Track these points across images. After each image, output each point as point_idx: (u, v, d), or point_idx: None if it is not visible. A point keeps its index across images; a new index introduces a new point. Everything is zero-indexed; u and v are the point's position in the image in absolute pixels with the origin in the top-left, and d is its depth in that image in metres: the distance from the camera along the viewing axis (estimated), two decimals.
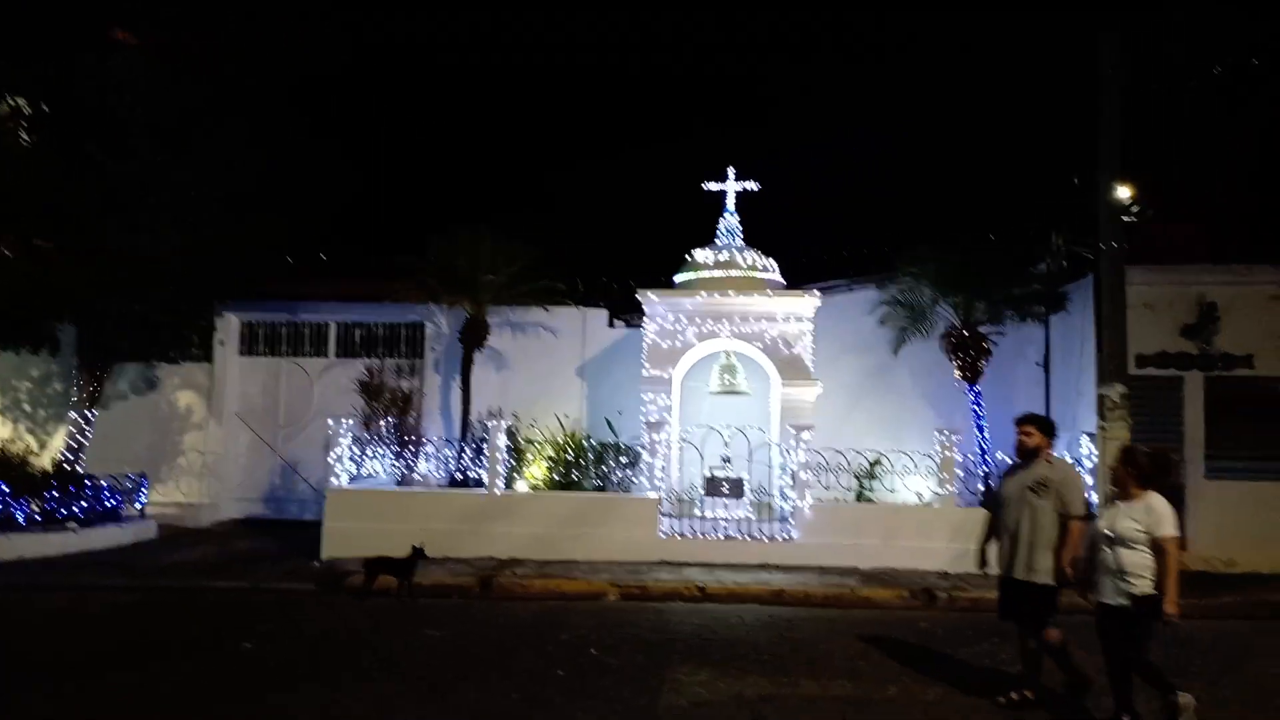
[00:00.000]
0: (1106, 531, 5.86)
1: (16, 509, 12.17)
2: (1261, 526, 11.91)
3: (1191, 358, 12.27)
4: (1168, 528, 5.65)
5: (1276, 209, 12.33)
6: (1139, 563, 5.69)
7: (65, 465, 13.57)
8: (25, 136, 11.69)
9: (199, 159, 12.13)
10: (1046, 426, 6.56)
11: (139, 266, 11.75)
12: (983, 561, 6.82)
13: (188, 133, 12.02)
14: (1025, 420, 6.56)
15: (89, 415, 13.97)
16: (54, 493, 12.59)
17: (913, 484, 12.57)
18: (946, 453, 12.01)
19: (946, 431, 12.19)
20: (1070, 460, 6.76)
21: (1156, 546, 5.64)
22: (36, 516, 12.36)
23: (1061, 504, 6.20)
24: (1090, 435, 11.42)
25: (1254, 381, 12.18)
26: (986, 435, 13.09)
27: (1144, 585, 5.69)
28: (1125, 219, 11.41)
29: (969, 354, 13.12)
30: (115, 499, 13.59)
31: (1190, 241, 12.94)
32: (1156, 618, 5.69)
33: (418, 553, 9.99)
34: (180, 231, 12.00)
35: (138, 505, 14.08)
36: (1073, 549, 6.17)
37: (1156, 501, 5.75)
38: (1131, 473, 5.87)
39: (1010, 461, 6.87)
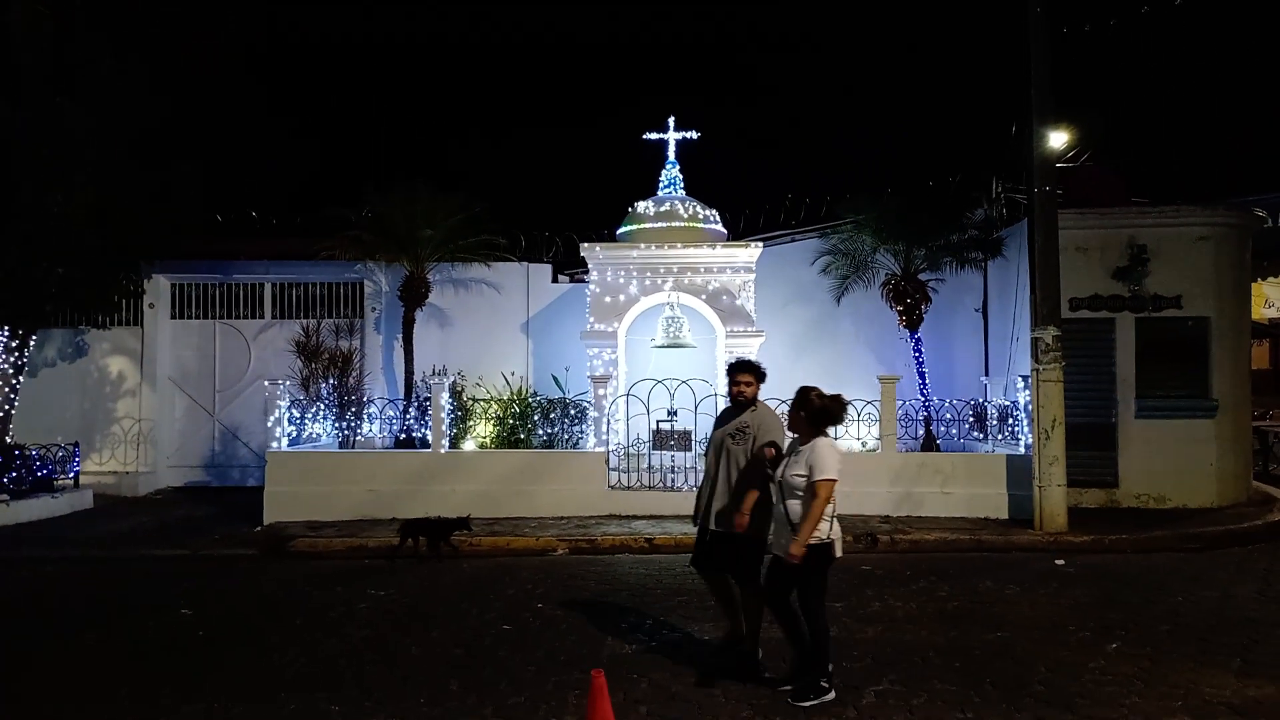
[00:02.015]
0: (779, 481, 5.49)
1: None
2: (1190, 463, 12.31)
3: (1123, 299, 12.53)
4: (826, 471, 5.25)
5: (1203, 150, 12.58)
6: (802, 511, 5.33)
7: None
8: None
9: (98, 102, 11.63)
10: (761, 374, 6.10)
11: (51, 222, 11.26)
12: (696, 515, 6.21)
13: (84, 76, 11.50)
14: (742, 369, 6.06)
15: (15, 384, 13.48)
16: None
17: (856, 431, 12.73)
18: (887, 399, 12.17)
19: (888, 378, 12.34)
20: (773, 405, 6.31)
21: (811, 490, 5.28)
22: None
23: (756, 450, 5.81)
24: (1025, 378, 11.65)
25: (1183, 322, 12.49)
26: (927, 381, 13.30)
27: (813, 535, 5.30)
28: (1059, 164, 11.54)
29: (910, 301, 13.25)
30: (48, 469, 13.23)
31: (1122, 184, 13.18)
32: (821, 568, 5.38)
33: (461, 521, 9.86)
34: (92, 183, 11.51)
35: (71, 475, 13.72)
36: (754, 497, 5.71)
37: (822, 445, 5.38)
38: (803, 417, 5.49)
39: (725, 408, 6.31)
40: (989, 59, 12.96)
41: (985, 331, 14.75)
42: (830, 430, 5.55)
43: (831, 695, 5.42)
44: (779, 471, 5.51)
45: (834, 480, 5.26)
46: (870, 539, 10.43)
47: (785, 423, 5.91)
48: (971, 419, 12.93)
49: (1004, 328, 13.68)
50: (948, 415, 12.86)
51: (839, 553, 5.42)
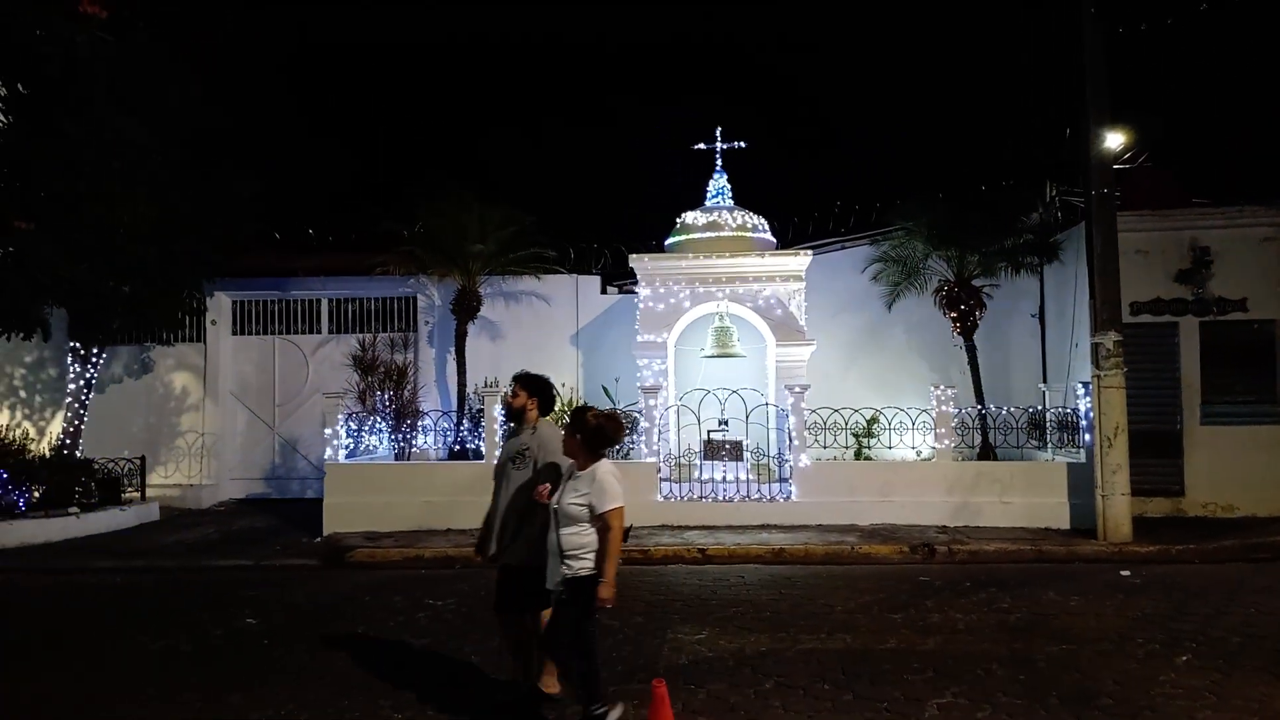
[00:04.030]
0: (554, 509, 5.06)
1: (17, 495, 12.19)
2: (1259, 470, 11.97)
3: (1186, 303, 12.25)
4: (613, 500, 4.86)
5: (1266, 148, 12.24)
6: (580, 542, 4.92)
7: (64, 450, 13.57)
8: (2, 118, 11.55)
9: (158, 117, 12.05)
10: (536, 387, 5.57)
11: (117, 240, 11.64)
12: (482, 545, 5.75)
13: (145, 92, 11.90)
14: (515, 380, 5.63)
15: (85, 399, 13.95)
16: (54, 478, 12.60)
17: (910, 440, 12.58)
18: (942, 407, 12.01)
19: (942, 386, 12.18)
20: (555, 425, 5.71)
21: (600, 522, 4.88)
22: (37, 502, 12.39)
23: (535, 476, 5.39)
24: (1086, 385, 11.41)
25: (1249, 325, 12.16)
26: (983, 389, 13.09)
27: (582, 566, 4.92)
28: (1116, 165, 11.32)
29: (963, 307, 13.08)
30: (116, 482, 13.62)
31: (1181, 185, 12.88)
32: (592, 602, 4.90)
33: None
34: (155, 199, 11.90)
35: (138, 488, 14.11)
36: (535, 527, 5.29)
37: (603, 471, 4.97)
38: (579, 439, 5.04)
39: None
40: (1042, 60, 12.74)
41: (1043, 337, 14.49)
42: (610, 452, 5.14)
43: None
44: (554, 498, 5.10)
45: (622, 508, 4.90)
46: (928, 549, 10.29)
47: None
48: (1030, 427, 12.69)
49: (1062, 333, 13.43)
50: (1005, 423, 12.64)
51: None
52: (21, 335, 12.38)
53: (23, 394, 15.64)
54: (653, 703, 4.45)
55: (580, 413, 5.13)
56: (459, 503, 12.03)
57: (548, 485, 5.23)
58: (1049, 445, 12.63)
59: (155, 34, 12.05)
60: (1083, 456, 11.61)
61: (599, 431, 5.01)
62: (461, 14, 31.21)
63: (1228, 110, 12.59)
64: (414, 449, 13.67)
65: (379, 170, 23.11)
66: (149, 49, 11.91)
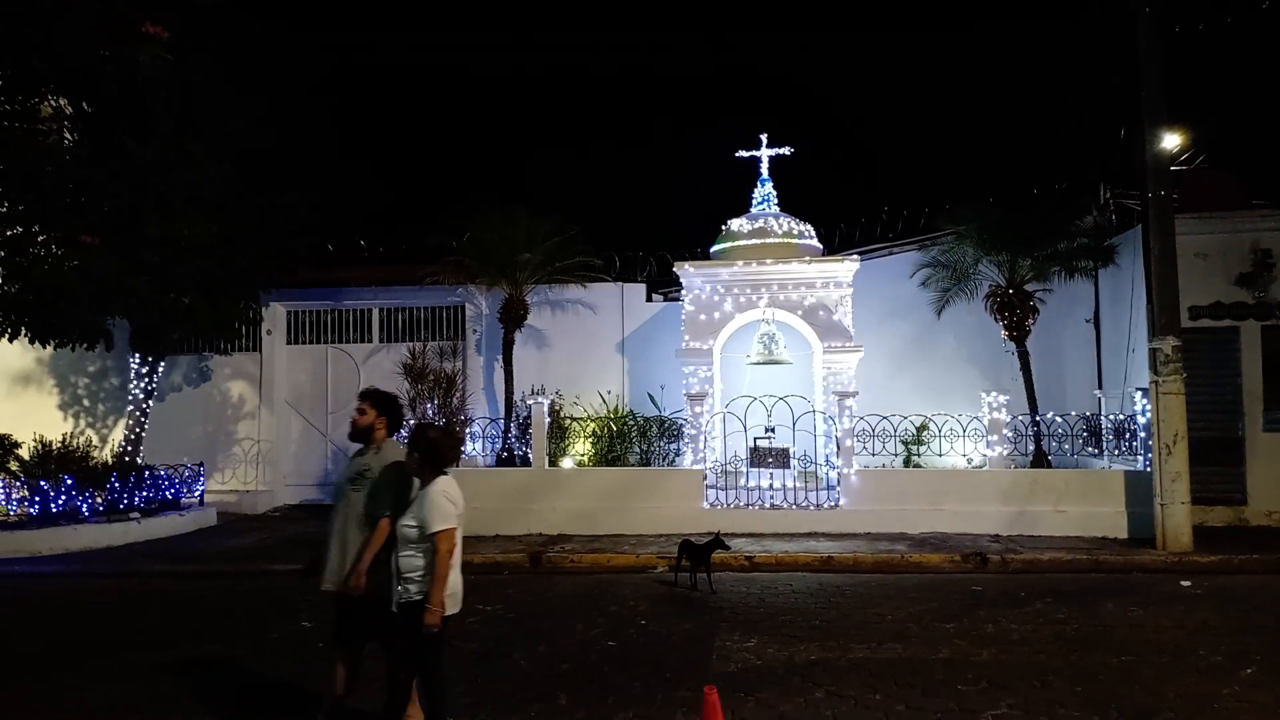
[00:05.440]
0: (392, 530, 4.80)
1: (81, 501, 12.57)
2: None
3: (1247, 307, 11.93)
4: (441, 521, 4.57)
5: None
6: (413, 565, 4.64)
7: (125, 457, 13.96)
8: (68, 136, 11.96)
9: (217, 135, 12.41)
10: (384, 404, 5.25)
11: (178, 254, 11.98)
12: (313, 568, 5.26)
13: (205, 112, 12.25)
14: (362, 395, 5.32)
15: (145, 407, 14.33)
16: (116, 484, 12.96)
17: (961, 447, 12.41)
18: (994, 414, 11.83)
19: (994, 393, 12.00)
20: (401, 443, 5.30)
21: (429, 544, 4.61)
22: (100, 508, 12.75)
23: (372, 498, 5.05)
24: (1143, 391, 11.16)
25: None
26: (1036, 395, 12.86)
27: (418, 590, 4.65)
28: (1173, 167, 11.08)
29: (1015, 313, 12.88)
30: (175, 488, 13.99)
31: (1242, 186, 12.56)
32: (423, 629, 4.62)
33: (717, 540, 9.34)
34: (215, 215, 12.23)
35: (197, 493, 14.47)
36: (371, 554, 4.95)
37: (434, 492, 4.65)
38: (418, 456, 4.75)
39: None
40: (1095, 61, 12.52)
41: (1098, 343, 14.20)
42: (450, 470, 4.81)
43: None
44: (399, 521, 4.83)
45: (452, 529, 4.61)
46: (980, 558, 10.13)
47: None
48: (1085, 434, 12.44)
49: (1118, 339, 13.15)
50: (1059, 430, 12.40)
51: (453, 608, 4.79)
52: (85, 345, 12.77)
53: (86, 402, 16.13)
54: (704, 709, 4.43)
55: (421, 430, 4.84)
56: (507, 509, 12.16)
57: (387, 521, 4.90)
58: (1105, 453, 12.37)
59: (215, 54, 12.41)
60: (1140, 464, 11.35)
61: (433, 447, 4.75)
62: (510, 34, 31.57)
63: None
64: (462, 455, 13.82)
65: (428, 184, 23.49)
66: (209, 69, 12.27)
